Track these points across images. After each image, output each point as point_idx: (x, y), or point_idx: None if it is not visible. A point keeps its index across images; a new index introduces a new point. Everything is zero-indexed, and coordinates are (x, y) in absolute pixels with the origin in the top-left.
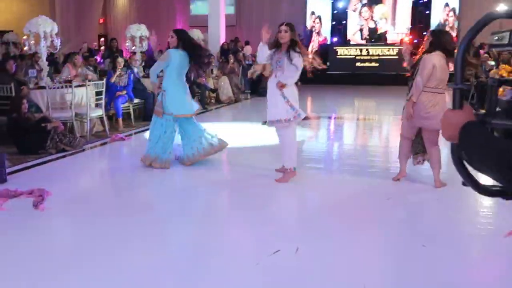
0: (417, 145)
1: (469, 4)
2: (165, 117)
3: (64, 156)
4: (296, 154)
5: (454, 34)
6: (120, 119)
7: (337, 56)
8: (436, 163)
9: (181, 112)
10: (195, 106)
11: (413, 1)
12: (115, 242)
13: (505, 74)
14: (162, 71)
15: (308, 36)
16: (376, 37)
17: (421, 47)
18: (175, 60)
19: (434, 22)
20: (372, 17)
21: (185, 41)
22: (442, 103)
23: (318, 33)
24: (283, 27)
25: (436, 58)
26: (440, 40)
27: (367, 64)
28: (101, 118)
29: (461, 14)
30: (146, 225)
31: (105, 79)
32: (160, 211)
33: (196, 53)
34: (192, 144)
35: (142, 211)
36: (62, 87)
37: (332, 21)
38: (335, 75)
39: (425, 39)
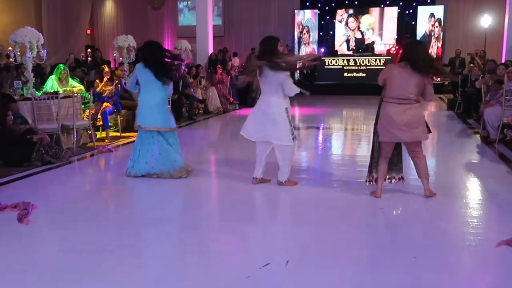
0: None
1: (454, 15)
2: (140, 130)
3: (50, 169)
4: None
5: (439, 44)
6: (107, 130)
7: (325, 67)
8: (422, 173)
9: (146, 124)
10: (170, 122)
11: (399, 12)
12: (102, 256)
13: (489, 84)
14: None
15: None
16: (363, 48)
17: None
18: (139, 74)
19: (420, 33)
20: (359, 27)
21: (144, 53)
22: (419, 113)
23: (307, 44)
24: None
25: (389, 70)
26: (405, 51)
27: (354, 74)
28: (87, 130)
29: (446, 24)
30: (133, 238)
31: (91, 90)
32: (147, 224)
33: (153, 63)
34: (162, 161)
35: (129, 223)
36: (48, 99)
37: (319, 32)
38: (323, 85)
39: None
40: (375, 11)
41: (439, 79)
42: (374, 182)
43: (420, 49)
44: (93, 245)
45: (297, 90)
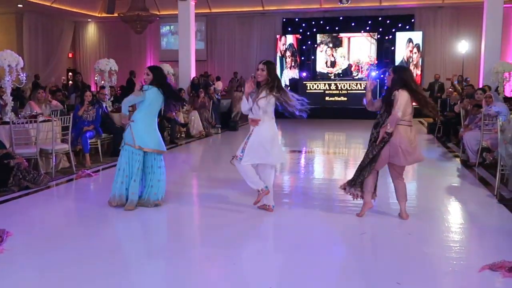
0: (357, 177)
1: (432, 41)
2: (130, 149)
3: (27, 194)
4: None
5: (418, 71)
6: (87, 155)
7: (307, 91)
8: (404, 196)
9: (150, 146)
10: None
11: (378, 38)
12: (80, 286)
13: (468, 108)
14: (132, 106)
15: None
16: (343, 73)
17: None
18: (149, 97)
19: (398, 59)
20: (334, 56)
21: (160, 79)
22: (416, 137)
23: (289, 68)
24: (260, 65)
25: (407, 94)
26: (401, 77)
27: (336, 98)
28: (67, 154)
29: (425, 50)
30: (113, 267)
31: (72, 113)
32: (128, 252)
33: (170, 90)
34: (146, 186)
35: (110, 252)
36: (27, 123)
37: (301, 57)
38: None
39: (387, 76)
40: (353, 39)
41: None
42: (359, 198)
43: (411, 73)
44: (70, 275)
45: (249, 114)
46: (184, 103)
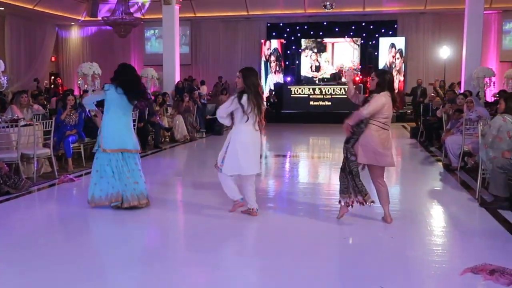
0: (345, 185)
1: (415, 47)
2: (99, 151)
3: (8, 199)
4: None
5: (401, 76)
6: (70, 159)
7: (291, 95)
8: (386, 199)
9: (111, 146)
10: (134, 144)
11: (361, 43)
12: None
13: (450, 113)
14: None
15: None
16: (331, 77)
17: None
18: (110, 95)
19: (381, 64)
20: (318, 61)
21: (120, 76)
22: (390, 139)
23: (274, 73)
24: (237, 73)
25: (386, 98)
26: (385, 80)
27: (320, 102)
28: (49, 158)
29: (407, 55)
30: (95, 273)
31: (54, 117)
32: (110, 257)
33: (130, 88)
34: (117, 184)
35: (91, 258)
36: (8, 127)
37: (285, 61)
38: (289, 114)
39: (369, 79)
40: (336, 44)
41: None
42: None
43: (393, 77)
44: (49, 281)
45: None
46: (149, 102)
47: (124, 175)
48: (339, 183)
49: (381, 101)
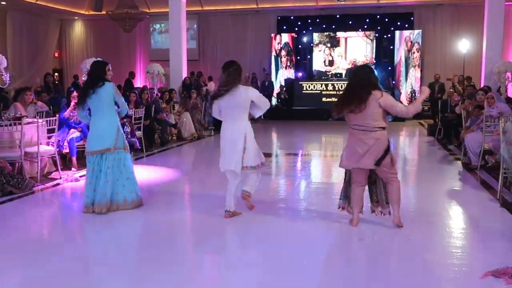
0: (374, 192)
1: (432, 40)
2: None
3: (11, 200)
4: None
5: (418, 71)
6: (74, 158)
7: (303, 91)
8: (397, 200)
9: (89, 148)
10: (107, 141)
11: (376, 36)
12: None
13: (469, 109)
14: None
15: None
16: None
17: None
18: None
19: (397, 58)
20: (331, 55)
21: (90, 73)
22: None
23: (284, 68)
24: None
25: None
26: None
27: (333, 99)
28: (53, 157)
29: (424, 49)
30: (97, 273)
31: (58, 115)
32: (117, 259)
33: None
34: (101, 188)
35: (98, 259)
36: (10, 125)
37: (296, 56)
38: (301, 110)
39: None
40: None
41: None
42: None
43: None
44: (54, 284)
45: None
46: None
47: (101, 179)
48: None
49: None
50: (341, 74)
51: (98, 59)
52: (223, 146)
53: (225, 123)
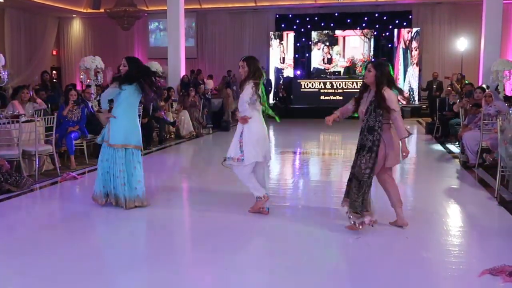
0: (357, 202)
1: (430, 38)
2: (106, 146)
3: (9, 198)
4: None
5: (417, 69)
6: (72, 156)
7: (301, 90)
8: (399, 199)
9: (126, 142)
10: (138, 141)
11: (375, 34)
12: None
13: (467, 108)
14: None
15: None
16: (344, 71)
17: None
18: (125, 94)
19: (395, 56)
20: (330, 53)
21: (135, 70)
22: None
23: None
24: (240, 63)
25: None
26: (383, 73)
27: (331, 97)
28: (51, 156)
29: (422, 48)
30: (97, 272)
31: (56, 113)
32: (114, 257)
33: (146, 81)
34: (121, 183)
35: (93, 256)
36: (8, 123)
37: (295, 54)
38: (299, 109)
39: (366, 72)
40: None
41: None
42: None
43: (389, 69)
44: (53, 283)
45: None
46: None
47: (118, 174)
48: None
49: (394, 96)
50: (339, 72)
51: (97, 57)
52: (261, 137)
53: (260, 115)
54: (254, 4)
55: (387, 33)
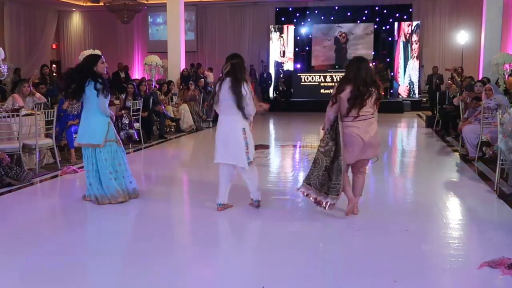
0: (325, 183)
1: (430, 32)
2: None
3: (10, 191)
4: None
5: (417, 63)
6: (73, 150)
7: (301, 83)
8: (361, 189)
9: (81, 141)
10: (99, 136)
11: (375, 28)
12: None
13: (467, 101)
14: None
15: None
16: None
17: None
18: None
19: (396, 49)
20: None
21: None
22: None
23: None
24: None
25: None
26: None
27: (331, 90)
28: (51, 149)
29: (423, 41)
30: (95, 265)
31: (56, 107)
32: (114, 251)
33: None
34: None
35: (92, 249)
36: (8, 116)
37: (295, 48)
38: (299, 102)
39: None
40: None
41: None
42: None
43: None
44: (52, 276)
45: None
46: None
47: (98, 172)
48: (331, 178)
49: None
50: (339, 65)
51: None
52: (221, 138)
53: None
54: None
55: (388, 26)
